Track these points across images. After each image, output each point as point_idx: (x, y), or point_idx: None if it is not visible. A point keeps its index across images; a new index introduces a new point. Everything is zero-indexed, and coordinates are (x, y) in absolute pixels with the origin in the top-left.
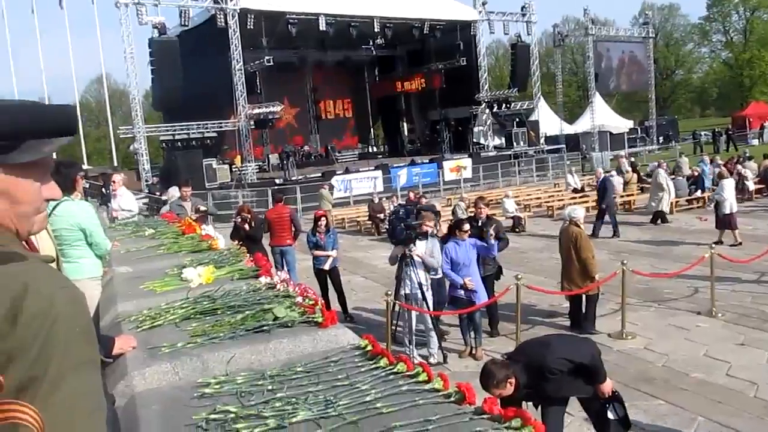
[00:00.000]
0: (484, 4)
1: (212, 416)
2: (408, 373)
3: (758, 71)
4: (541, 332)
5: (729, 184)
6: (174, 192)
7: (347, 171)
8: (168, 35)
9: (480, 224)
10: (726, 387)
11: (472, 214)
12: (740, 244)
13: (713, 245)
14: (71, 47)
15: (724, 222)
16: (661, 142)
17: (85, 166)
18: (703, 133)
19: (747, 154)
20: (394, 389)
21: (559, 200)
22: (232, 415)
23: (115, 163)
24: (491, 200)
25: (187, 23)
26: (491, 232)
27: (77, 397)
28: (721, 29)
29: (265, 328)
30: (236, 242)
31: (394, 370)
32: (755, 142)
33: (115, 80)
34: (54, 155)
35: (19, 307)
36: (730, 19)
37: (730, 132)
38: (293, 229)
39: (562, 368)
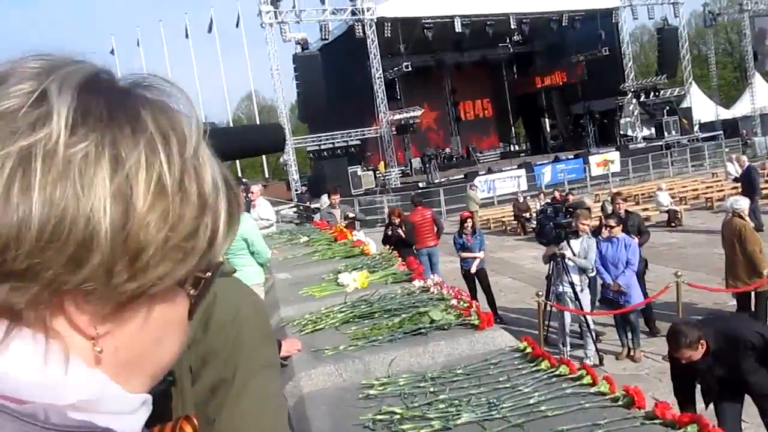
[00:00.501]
0: None
1: (378, 417)
2: (571, 376)
3: None
4: None
5: None
6: (325, 200)
7: (490, 171)
8: (310, 50)
9: (620, 220)
10: None
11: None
12: None
13: None
14: (222, 68)
15: None
16: None
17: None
18: None
19: None
20: (558, 392)
21: (718, 191)
22: (398, 416)
23: (267, 175)
24: (643, 194)
25: (327, 37)
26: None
27: (263, 397)
28: None
29: (422, 330)
30: (388, 247)
31: (557, 373)
32: None
33: (263, 96)
34: None
35: (209, 315)
36: None
37: None
38: (435, 229)
39: (755, 342)
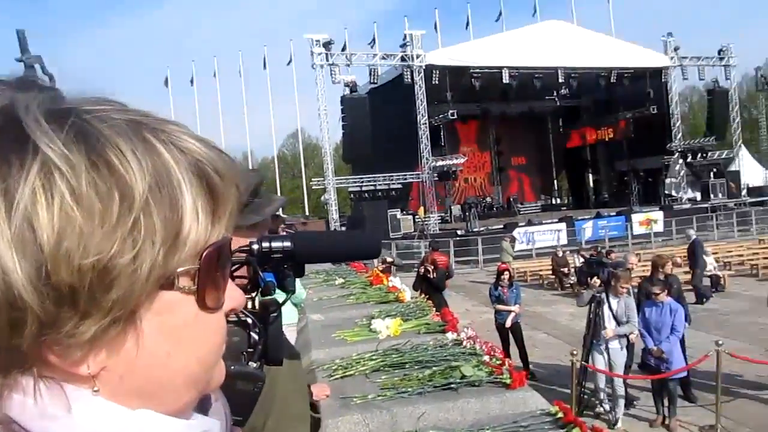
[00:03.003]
0: (676, 49)
1: None
2: None
3: None
4: (746, 405)
5: None
6: None
7: (530, 223)
8: (358, 92)
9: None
10: None
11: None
12: None
13: None
14: (271, 105)
15: None
16: None
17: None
18: None
19: None
20: None
21: (765, 258)
22: None
23: (307, 213)
24: (684, 256)
25: (376, 80)
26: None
27: None
28: None
29: (452, 385)
30: (420, 292)
31: None
32: None
33: (309, 134)
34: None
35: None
36: None
37: None
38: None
39: None
